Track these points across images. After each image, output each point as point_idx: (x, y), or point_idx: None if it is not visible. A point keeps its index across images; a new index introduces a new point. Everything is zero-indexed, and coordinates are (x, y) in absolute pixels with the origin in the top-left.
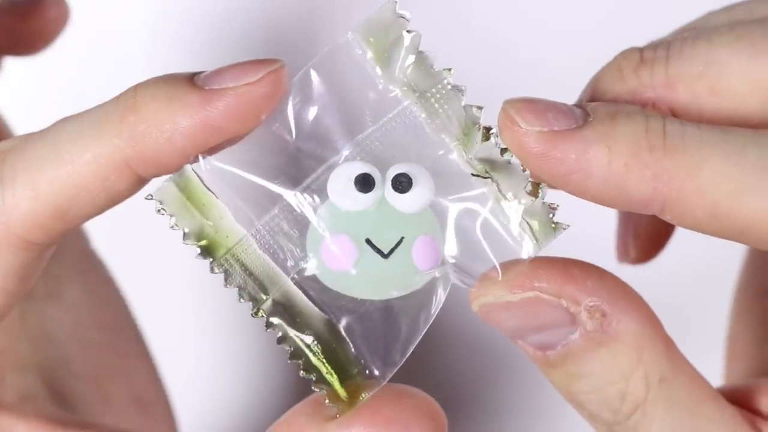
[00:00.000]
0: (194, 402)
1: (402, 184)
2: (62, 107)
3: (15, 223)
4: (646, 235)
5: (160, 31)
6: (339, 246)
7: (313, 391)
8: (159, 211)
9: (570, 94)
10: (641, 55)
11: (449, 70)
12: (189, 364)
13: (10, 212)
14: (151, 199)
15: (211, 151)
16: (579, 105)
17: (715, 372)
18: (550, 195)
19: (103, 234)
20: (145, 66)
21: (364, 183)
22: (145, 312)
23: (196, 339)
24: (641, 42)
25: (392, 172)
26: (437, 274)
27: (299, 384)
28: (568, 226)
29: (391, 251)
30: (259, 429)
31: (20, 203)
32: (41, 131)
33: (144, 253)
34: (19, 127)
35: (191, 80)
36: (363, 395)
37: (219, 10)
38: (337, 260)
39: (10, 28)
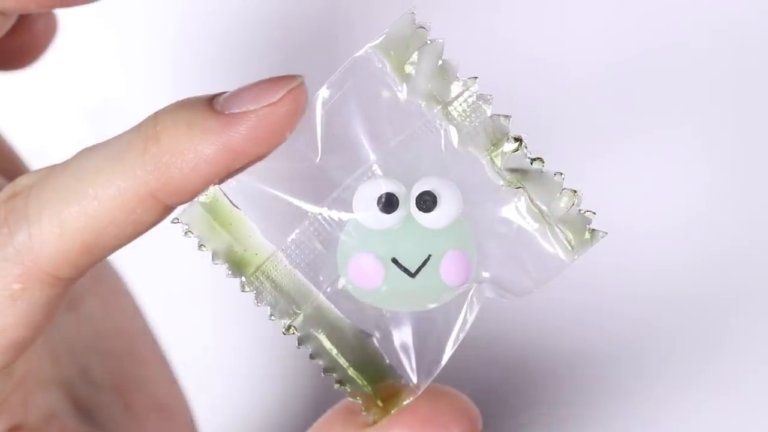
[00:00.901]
0: (212, 408)
1: (426, 203)
2: (54, 120)
3: (43, 260)
4: None
5: (167, 37)
6: (365, 265)
7: (335, 399)
8: (186, 233)
9: (589, 102)
10: None
11: (474, 78)
12: (206, 370)
13: (38, 249)
14: (178, 222)
15: (236, 171)
16: None
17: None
18: (586, 202)
19: None
20: (150, 72)
21: (388, 203)
22: (159, 319)
23: (212, 345)
24: (664, 45)
25: (417, 189)
26: (469, 290)
27: (316, 389)
28: (606, 233)
29: (419, 269)
30: None
31: (47, 240)
32: (63, 163)
33: (157, 260)
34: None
35: (210, 104)
36: (399, 402)
37: (231, 17)
38: (364, 279)
39: None
